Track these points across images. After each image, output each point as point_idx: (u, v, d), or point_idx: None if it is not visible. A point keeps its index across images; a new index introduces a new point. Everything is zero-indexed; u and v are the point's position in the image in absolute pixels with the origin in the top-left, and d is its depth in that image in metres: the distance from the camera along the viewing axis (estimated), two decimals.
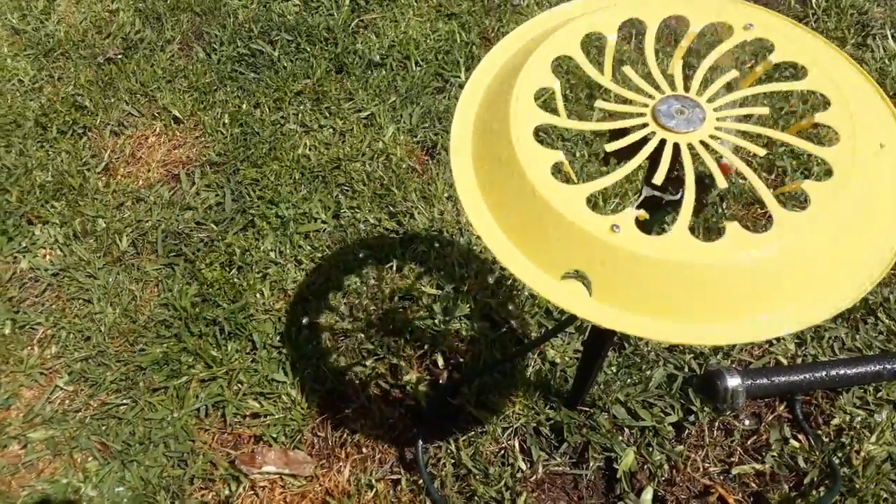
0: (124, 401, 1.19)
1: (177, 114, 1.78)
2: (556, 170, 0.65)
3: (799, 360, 1.27)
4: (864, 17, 2.09)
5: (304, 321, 1.30)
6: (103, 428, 1.16)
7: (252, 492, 1.09)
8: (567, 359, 1.24)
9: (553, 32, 0.71)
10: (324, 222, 1.50)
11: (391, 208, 1.53)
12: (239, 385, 1.22)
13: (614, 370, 1.24)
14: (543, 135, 1.64)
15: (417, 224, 1.49)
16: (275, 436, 1.15)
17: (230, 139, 1.72)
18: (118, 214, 1.53)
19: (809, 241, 0.56)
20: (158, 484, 1.09)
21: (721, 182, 0.62)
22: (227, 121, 1.77)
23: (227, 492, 1.09)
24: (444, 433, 1.14)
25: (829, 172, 0.60)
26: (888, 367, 1.22)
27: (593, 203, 1.48)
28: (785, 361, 1.27)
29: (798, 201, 1.44)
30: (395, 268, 1.40)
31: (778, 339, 1.29)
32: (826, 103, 0.65)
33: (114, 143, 1.71)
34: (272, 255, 1.43)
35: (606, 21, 0.72)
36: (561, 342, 1.28)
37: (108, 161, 1.66)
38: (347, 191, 1.58)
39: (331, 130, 1.74)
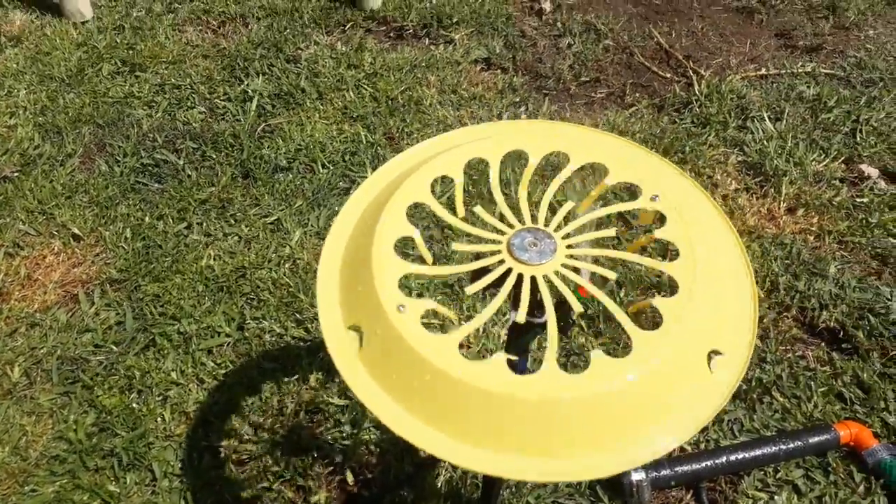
0: None
1: (76, 231, 1.75)
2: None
3: (702, 446, 1.31)
4: (743, 101, 2.26)
5: (203, 442, 1.27)
6: None
7: None
8: None
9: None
10: (227, 335, 1.48)
11: (298, 315, 1.53)
12: None
13: None
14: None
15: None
16: None
17: (132, 254, 1.69)
18: (10, 343, 1.47)
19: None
20: None
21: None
22: (128, 235, 1.74)
23: None
24: None
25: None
26: (783, 447, 1.28)
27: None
28: (689, 449, 1.30)
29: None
30: (301, 379, 1.39)
31: None
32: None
33: (8, 265, 1.66)
34: (173, 374, 1.39)
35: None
36: None
37: (1, 285, 1.60)
38: (252, 300, 1.57)
39: (236, 238, 1.73)
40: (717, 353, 0.63)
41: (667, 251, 1.64)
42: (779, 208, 1.89)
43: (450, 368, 0.59)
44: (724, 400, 0.61)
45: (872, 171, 2.02)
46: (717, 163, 2.04)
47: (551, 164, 0.79)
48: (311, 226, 1.78)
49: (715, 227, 0.73)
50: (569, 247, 0.70)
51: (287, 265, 1.66)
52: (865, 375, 1.41)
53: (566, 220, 0.73)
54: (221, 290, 1.60)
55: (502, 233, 0.71)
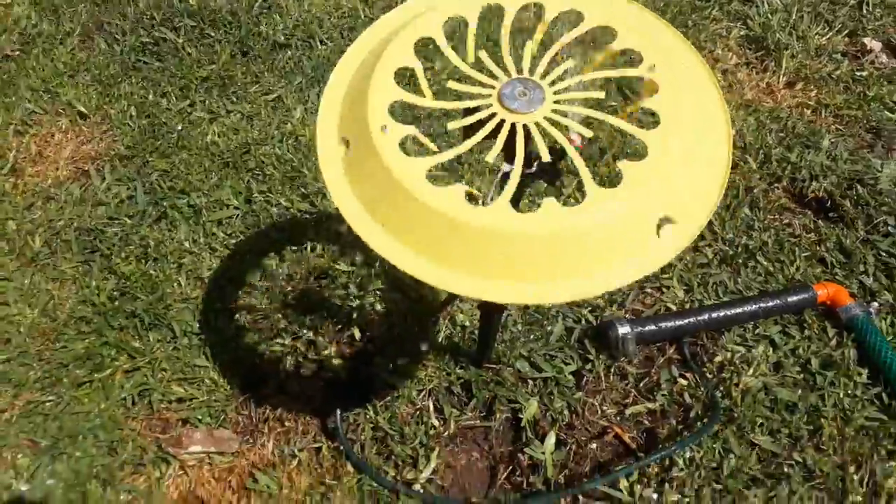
0: (49, 397, 1.23)
1: (82, 109, 1.78)
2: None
3: (687, 306, 1.39)
4: None
5: (219, 302, 1.35)
6: (31, 425, 1.19)
7: (181, 471, 1.15)
8: (475, 321, 1.32)
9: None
10: (236, 208, 1.54)
11: (303, 190, 1.58)
12: (163, 373, 1.27)
13: (519, 327, 1.33)
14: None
15: (329, 203, 1.55)
16: (200, 417, 1.21)
17: (138, 131, 1.72)
18: (28, 215, 1.53)
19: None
20: (89, 473, 1.14)
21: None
22: (133, 113, 1.77)
23: (157, 474, 1.15)
24: (362, 401, 1.22)
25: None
26: (763, 305, 1.35)
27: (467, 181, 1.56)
28: (674, 308, 1.38)
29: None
30: (309, 248, 1.46)
31: (668, 287, 1.41)
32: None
33: (18, 142, 1.70)
34: (186, 244, 1.46)
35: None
36: (469, 307, 1.36)
37: (14, 162, 1.65)
38: (258, 175, 1.61)
39: (238, 115, 1.76)
40: (668, 220, 0.67)
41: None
42: (778, 82, 1.89)
43: (413, 189, 0.65)
44: (663, 261, 0.66)
45: (875, 45, 2.01)
46: (718, 37, 2.03)
47: (561, 20, 0.81)
48: (312, 103, 1.80)
49: (707, 105, 0.75)
50: (556, 102, 0.74)
51: (290, 141, 1.70)
52: (848, 241, 1.47)
53: (561, 77, 0.76)
54: (227, 165, 1.64)
55: (499, 80, 0.74)
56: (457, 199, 0.65)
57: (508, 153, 0.72)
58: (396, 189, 0.65)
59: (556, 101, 0.73)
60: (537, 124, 0.70)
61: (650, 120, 1.53)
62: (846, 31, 2.04)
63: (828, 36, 2.02)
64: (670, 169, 0.66)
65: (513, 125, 0.70)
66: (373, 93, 0.70)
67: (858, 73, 1.91)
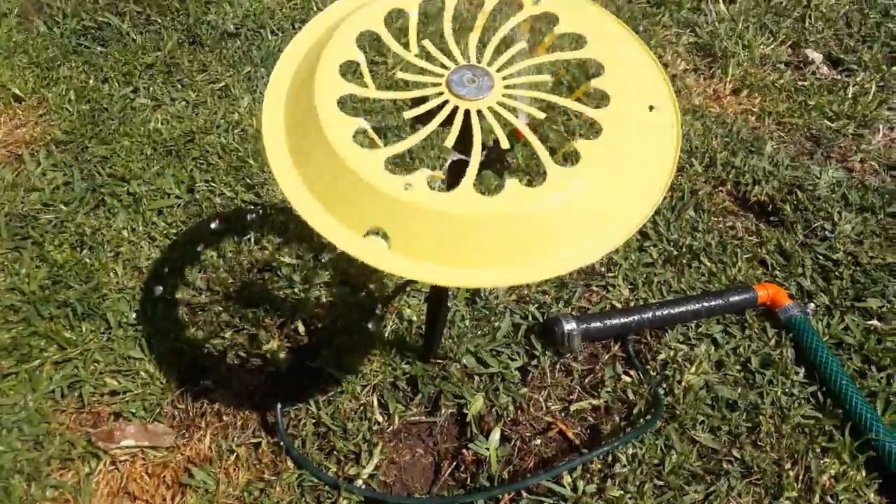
0: None
1: (17, 91, 1.70)
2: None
3: (632, 304, 1.40)
4: None
5: (157, 291, 1.31)
6: None
7: (113, 467, 1.10)
8: (422, 316, 1.31)
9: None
10: (178, 197, 1.49)
11: (248, 180, 1.54)
12: (95, 364, 1.21)
13: (467, 323, 1.32)
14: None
15: (276, 195, 1.51)
16: (134, 411, 1.16)
17: (77, 116, 1.66)
18: None
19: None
20: (13, 468, 1.08)
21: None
22: (73, 97, 1.70)
23: (86, 469, 1.09)
24: (304, 396, 1.19)
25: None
26: (705, 305, 1.37)
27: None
28: (620, 306, 1.39)
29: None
30: (252, 240, 1.42)
31: (613, 286, 1.42)
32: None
33: None
34: (124, 233, 1.41)
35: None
36: (417, 301, 1.35)
37: None
38: (202, 164, 1.57)
39: (184, 103, 1.71)
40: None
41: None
42: (724, 89, 1.93)
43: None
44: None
45: (816, 56, 2.07)
46: (668, 43, 2.06)
47: (505, 4, 0.80)
48: (260, 93, 1.76)
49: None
50: (507, 87, 0.73)
51: (236, 131, 1.66)
52: (788, 244, 1.51)
53: (510, 62, 0.76)
54: (170, 153, 1.59)
55: (447, 68, 0.73)
56: (419, 185, 0.63)
57: (456, 142, 0.71)
58: (352, 180, 0.63)
59: (506, 87, 0.72)
60: (490, 108, 0.70)
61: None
62: (789, 42, 2.10)
63: (772, 46, 2.07)
64: (626, 145, 0.66)
65: (466, 111, 0.69)
66: (319, 88, 0.68)
67: (800, 83, 1.97)
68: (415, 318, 1.31)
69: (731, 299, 1.35)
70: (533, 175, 1.57)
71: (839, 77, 2.01)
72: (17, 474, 1.07)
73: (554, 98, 0.72)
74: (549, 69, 0.74)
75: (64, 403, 1.17)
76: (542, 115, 0.70)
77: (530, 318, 1.33)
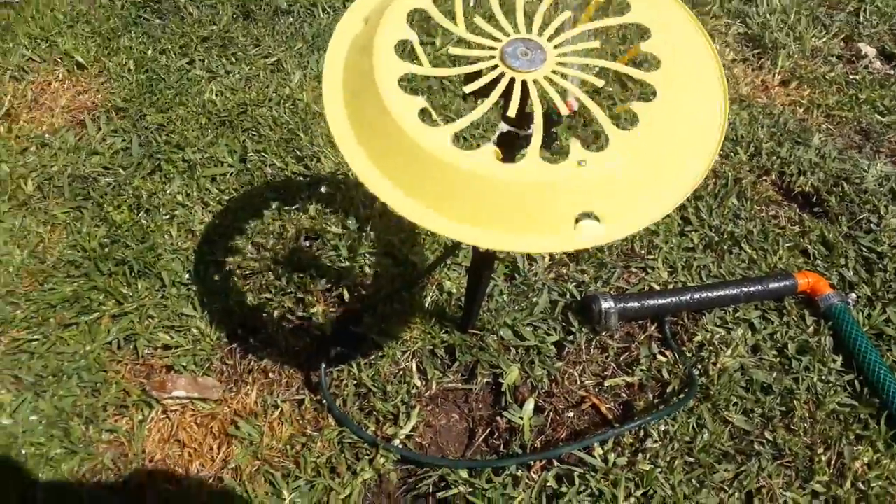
0: (35, 336, 1.23)
1: (80, 59, 1.77)
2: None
3: (669, 286, 1.41)
4: None
5: (210, 256, 1.36)
6: (15, 363, 1.20)
7: (164, 416, 1.16)
8: (461, 289, 1.34)
9: None
10: (230, 165, 1.54)
11: (298, 152, 1.59)
12: (150, 320, 1.27)
13: (505, 298, 1.35)
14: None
15: (324, 167, 1.56)
16: (185, 365, 1.22)
17: (136, 85, 1.72)
18: (22, 159, 1.53)
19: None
20: (72, 411, 1.15)
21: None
22: (132, 66, 1.77)
23: (139, 416, 1.15)
24: (346, 359, 1.23)
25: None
26: (744, 290, 1.38)
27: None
28: (658, 288, 1.40)
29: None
30: (301, 209, 1.47)
31: (653, 268, 1.43)
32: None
33: (14, 88, 1.69)
34: (179, 197, 1.47)
35: None
36: (457, 274, 1.38)
37: (10, 106, 1.64)
38: (254, 135, 1.62)
39: (237, 76, 1.76)
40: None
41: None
42: (773, 80, 1.92)
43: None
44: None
45: (870, 51, 2.04)
46: (717, 33, 2.05)
47: None
48: (311, 69, 1.80)
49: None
50: (559, 56, 0.75)
51: (287, 105, 1.70)
52: (831, 235, 1.50)
53: (558, 31, 0.78)
54: (224, 123, 1.64)
55: (499, 41, 0.76)
56: (488, 158, 0.66)
57: (506, 113, 0.73)
58: (419, 155, 0.66)
59: (559, 55, 0.74)
60: (546, 78, 0.72)
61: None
62: (842, 36, 2.07)
63: (824, 39, 2.05)
64: (680, 104, 0.68)
65: (523, 82, 0.72)
66: (378, 70, 0.71)
67: (852, 77, 1.94)
68: (454, 291, 1.35)
69: (771, 286, 1.35)
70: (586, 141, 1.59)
71: (892, 72, 1.98)
72: (76, 417, 1.14)
73: (608, 64, 0.74)
74: (598, 37, 0.76)
75: (120, 355, 1.23)
76: (601, 83, 0.72)
77: (568, 296, 1.36)
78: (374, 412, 1.17)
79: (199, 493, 1.07)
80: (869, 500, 1.09)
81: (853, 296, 1.38)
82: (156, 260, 1.35)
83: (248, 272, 1.36)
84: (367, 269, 1.38)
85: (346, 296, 1.33)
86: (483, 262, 1.06)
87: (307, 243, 1.42)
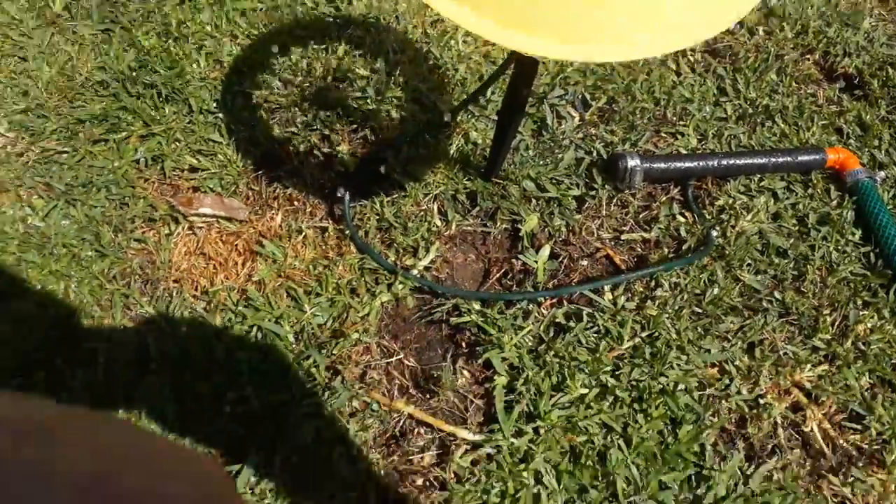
0: (65, 149, 1.25)
1: None
2: None
3: (698, 151, 1.40)
4: None
5: (273, 49, 1.36)
6: (46, 171, 1.23)
7: (190, 231, 1.19)
8: (487, 140, 1.34)
9: None
10: (260, 1, 1.51)
11: None
12: (177, 143, 1.29)
13: (530, 153, 1.35)
14: None
15: (355, 9, 1.52)
16: (211, 186, 1.24)
17: None
18: None
19: None
20: (102, 220, 1.18)
21: None
22: None
23: (166, 230, 1.19)
24: (370, 194, 1.25)
25: None
26: (772, 160, 1.36)
27: None
28: (685, 152, 1.39)
29: None
30: (330, 49, 1.45)
31: (683, 134, 1.41)
32: None
33: None
34: (208, 28, 1.45)
35: None
36: (483, 126, 1.37)
37: None
38: None
39: None
40: None
41: None
42: None
43: None
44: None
45: None
46: None
47: None
48: None
49: None
50: None
51: None
52: (868, 117, 1.47)
53: None
54: None
55: None
56: None
57: None
58: None
59: None
60: None
61: None
62: None
63: None
64: None
65: None
66: None
67: None
68: (480, 142, 1.34)
69: (800, 158, 1.34)
70: None
71: None
72: (105, 225, 1.17)
73: None
74: None
75: (147, 173, 1.26)
76: None
77: (595, 154, 1.35)
78: (395, 245, 1.20)
79: (224, 300, 1.12)
80: (867, 358, 1.12)
81: (881, 174, 1.36)
82: (184, 86, 1.35)
83: (274, 106, 1.36)
84: (392, 114, 1.37)
85: (371, 137, 1.33)
86: (515, 103, 1.04)
87: (335, 83, 1.41)
